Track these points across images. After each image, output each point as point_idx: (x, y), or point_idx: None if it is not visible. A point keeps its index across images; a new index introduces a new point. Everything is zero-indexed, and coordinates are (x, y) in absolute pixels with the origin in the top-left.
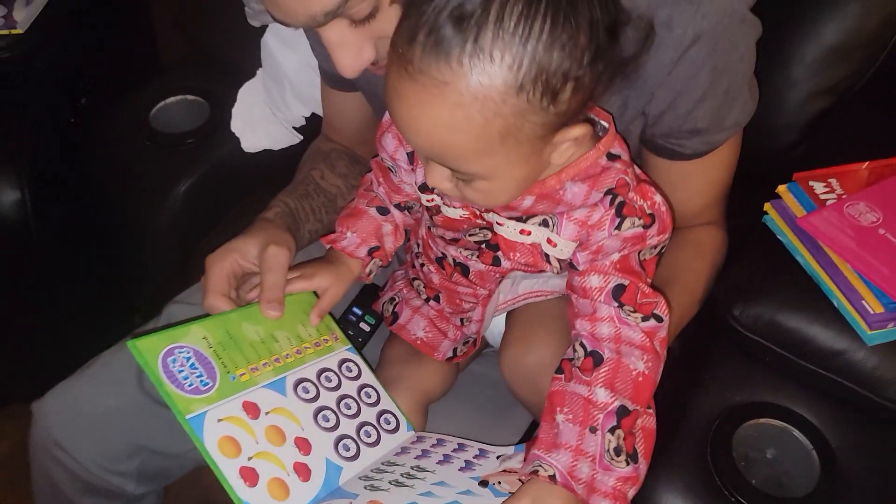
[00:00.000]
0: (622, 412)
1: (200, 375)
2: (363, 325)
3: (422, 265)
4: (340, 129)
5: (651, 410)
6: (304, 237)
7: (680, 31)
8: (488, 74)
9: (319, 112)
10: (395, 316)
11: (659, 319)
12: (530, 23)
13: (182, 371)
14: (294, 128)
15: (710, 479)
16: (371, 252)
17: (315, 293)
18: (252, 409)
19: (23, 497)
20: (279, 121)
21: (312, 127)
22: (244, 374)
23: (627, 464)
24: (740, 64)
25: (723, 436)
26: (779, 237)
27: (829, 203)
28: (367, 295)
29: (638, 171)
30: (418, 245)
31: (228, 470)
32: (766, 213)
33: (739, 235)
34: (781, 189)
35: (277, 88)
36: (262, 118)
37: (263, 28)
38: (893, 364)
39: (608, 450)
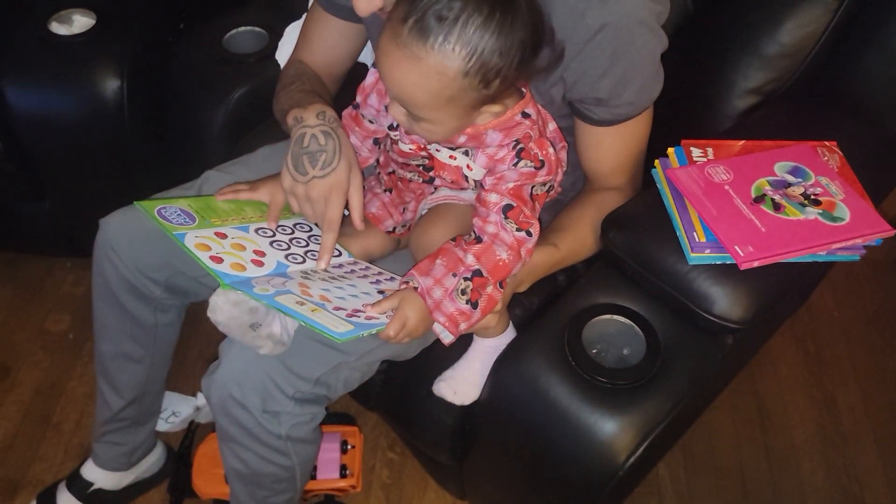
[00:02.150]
0: (477, 273)
1: (184, 218)
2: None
3: (378, 173)
4: (317, 53)
5: (501, 289)
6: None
7: (590, 21)
8: (448, 60)
9: None
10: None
11: (529, 234)
12: (482, 33)
13: (171, 216)
14: None
15: (561, 348)
16: None
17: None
18: (221, 236)
19: (85, 330)
20: None
21: None
22: (217, 222)
23: (467, 304)
24: (636, 56)
25: (579, 322)
26: (657, 184)
27: (697, 163)
28: None
29: (553, 129)
30: (378, 161)
31: (202, 256)
32: (654, 166)
33: None
34: (669, 150)
35: None
36: None
37: None
38: (705, 282)
39: (457, 289)
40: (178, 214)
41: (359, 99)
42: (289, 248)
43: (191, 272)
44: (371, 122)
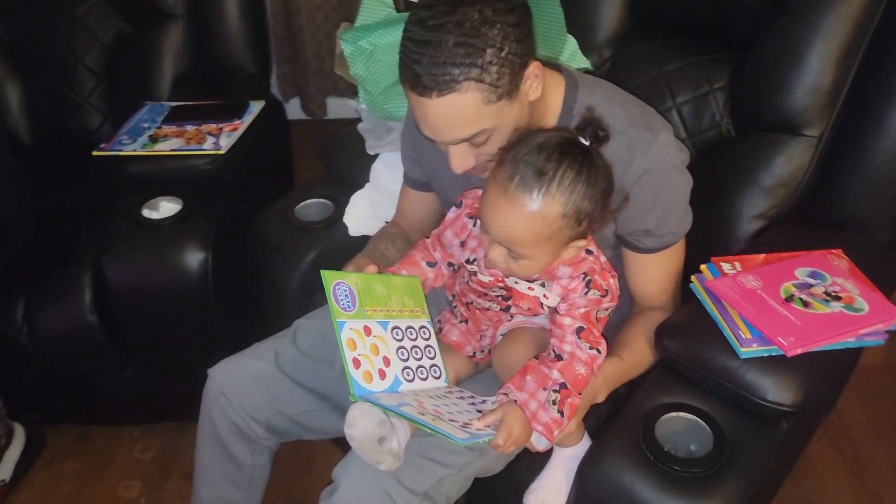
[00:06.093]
0: (563, 386)
1: (349, 301)
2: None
3: (454, 307)
4: (408, 217)
5: (579, 397)
6: None
7: (636, 167)
8: (549, 206)
9: None
10: (440, 329)
11: (598, 352)
12: (576, 184)
13: (341, 296)
14: (385, 222)
15: (637, 446)
16: None
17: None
18: (367, 331)
19: (155, 494)
20: (375, 217)
21: None
22: (369, 311)
23: (558, 413)
24: (672, 194)
25: (650, 420)
26: (697, 297)
27: (729, 274)
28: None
29: (604, 261)
30: (454, 296)
31: (348, 355)
32: (691, 282)
33: None
34: (703, 267)
35: (379, 197)
36: (364, 216)
37: (375, 156)
38: (755, 373)
39: (548, 400)
40: (346, 296)
41: (439, 230)
42: (407, 359)
43: (287, 411)
44: (446, 246)
